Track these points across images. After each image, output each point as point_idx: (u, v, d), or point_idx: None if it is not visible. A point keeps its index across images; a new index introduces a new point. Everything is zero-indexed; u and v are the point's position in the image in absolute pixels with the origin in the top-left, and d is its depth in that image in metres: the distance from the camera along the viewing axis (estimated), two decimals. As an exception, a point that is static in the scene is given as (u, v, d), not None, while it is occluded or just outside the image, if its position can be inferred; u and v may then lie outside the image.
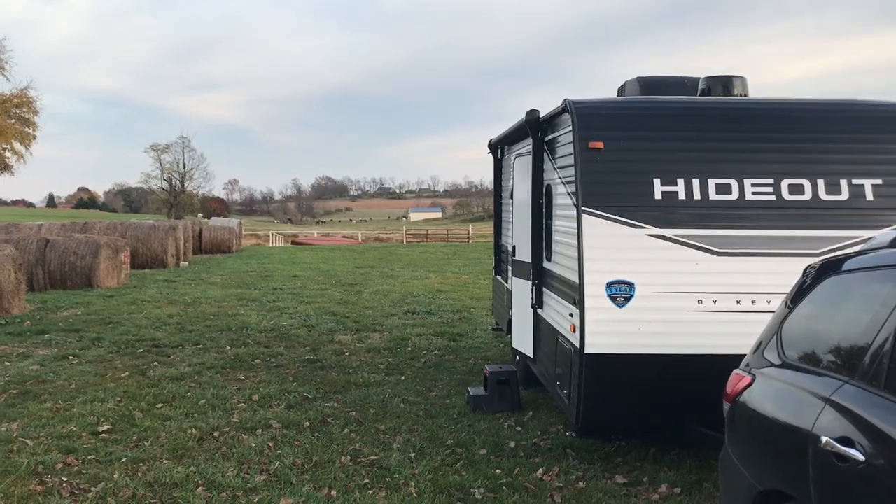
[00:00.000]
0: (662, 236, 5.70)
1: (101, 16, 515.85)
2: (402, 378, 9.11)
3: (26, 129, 43.67)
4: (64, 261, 18.01)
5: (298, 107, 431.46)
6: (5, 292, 13.41)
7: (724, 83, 6.91)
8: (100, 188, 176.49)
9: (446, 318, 13.62)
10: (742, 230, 5.74)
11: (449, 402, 7.99)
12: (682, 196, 5.75)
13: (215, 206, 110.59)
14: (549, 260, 6.94)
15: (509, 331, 8.83)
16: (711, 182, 5.78)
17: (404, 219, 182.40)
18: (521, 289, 7.87)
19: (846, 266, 3.56)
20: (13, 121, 42.85)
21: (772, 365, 3.76)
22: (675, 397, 5.74)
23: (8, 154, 42.94)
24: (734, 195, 5.78)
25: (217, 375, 9.15)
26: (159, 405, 7.79)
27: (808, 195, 5.81)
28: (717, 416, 4.30)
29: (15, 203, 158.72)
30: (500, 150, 10.19)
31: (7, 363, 9.72)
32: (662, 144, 5.89)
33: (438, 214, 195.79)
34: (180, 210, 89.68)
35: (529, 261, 7.29)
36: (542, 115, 7.04)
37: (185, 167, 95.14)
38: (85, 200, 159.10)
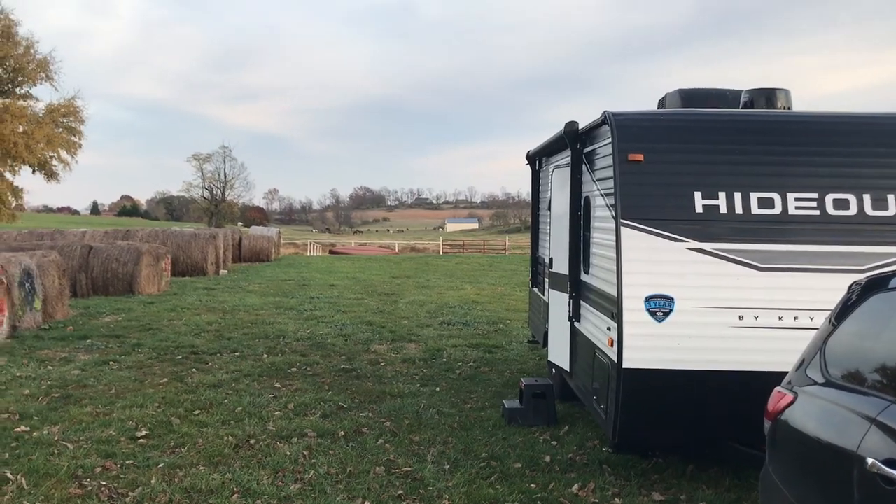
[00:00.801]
0: (703, 250, 5.63)
1: (146, 25, 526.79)
2: (437, 389, 9.10)
3: (72, 137, 44.55)
4: (106, 267, 18.35)
5: (337, 116, 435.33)
6: (50, 297, 13.68)
7: (767, 96, 6.81)
8: (142, 196, 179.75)
9: (482, 330, 13.59)
10: (785, 245, 5.64)
11: (484, 415, 7.96)
12: (723, 210, 5.68)
13: (255, 215, 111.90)
14: (586, 272, 6.89)
15: (545, 343, 8.78)
16: (754, 196, 5.70)
17: (441, 229, 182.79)
18: (558, 301, 7.82)
19: (893, 283, 3.48)
20: (60, 130, 43.77)
21: (815, 383, 3.68)
22: (715, 414, 5.65)
23: (55, 162, 43.84)
24: (777, 209, 5.69)
25: (254, 383, 9.22)
26: (196, 412, 7.87)
27: (853, 210, 5.69)
28: (757, 434, 4.22)
29: (60, 210, 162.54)
30: (538, 162, 10.17)
31: (50, 367, 9.91)
32: (703, 157, 5.83)
33: (475, 226, 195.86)
34: (221, 219, 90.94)
35: (567, 273, 7.25)
36: (581, 126, 7.02)
37: (225, 176, 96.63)
38: (128, 208, 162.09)
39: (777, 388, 4.00)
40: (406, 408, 8.17)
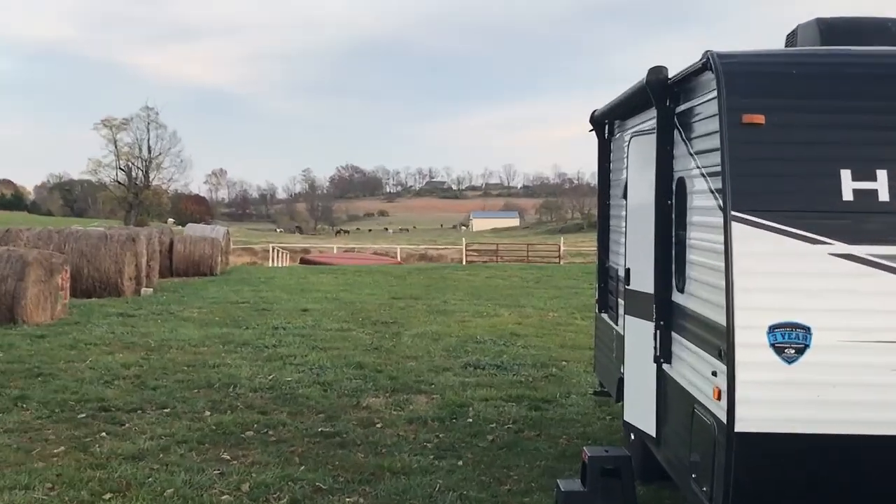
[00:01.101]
0: (854, 257, 5.56)
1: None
2: (460, 463, 9.08)
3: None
4: (-23, 284, 18.47)
5: (313, 66, 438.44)
6: None
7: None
8: (29, 181, 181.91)
9: (525, 376, 13.55)
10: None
11: (529, 501, 7.92)
12: (883, 197, 5.61)
13: (193, 208, 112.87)
14: (680, 291, 6.85)
15: (620, 396, 8.73)
16: (933, 177, 5.63)
17: (464, 228, 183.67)
18: (638, 333, 7.78)
19: None
20: None
21: None
22: (870, 501, 5.58)
23: None
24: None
25: (191, 453, 9.23)
26: (108, 495, 7.88)
27: None
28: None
29: None
30: (608, 128, 10.14)
31: None
32: (854, 119, 5.76)
33: (514, 222, 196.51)
34: (143, 213, 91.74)
35: (651, 292, 7.20)
36: (671, 75, 6.99)
37: (150, 152, 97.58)
38: (7, 198, 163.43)
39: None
40: (414, 490, 8.15)
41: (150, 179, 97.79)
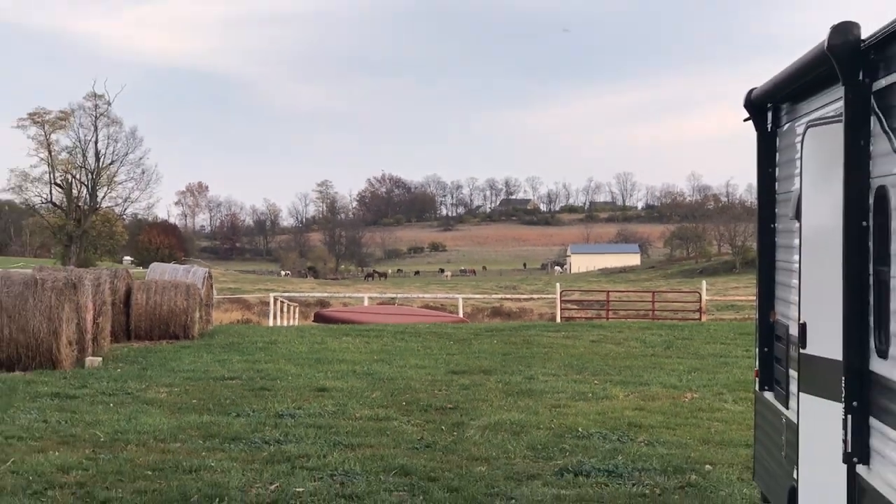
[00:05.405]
0: None
1: None
2: None
3: None
4: None
5: (337, 29, 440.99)
6: None
7: None
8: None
9: (651, 486, 13.52)
10: None
11: None
12: None
13: (160, 241, 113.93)
14: (883, 356, 6.79)
15: (793, 515, 8.67)
16: None
17: (558, 268, 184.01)
18: (819, 420, 7.75)
19: None
20: None
21: None
22: None
23: None
24: None
25: None
26: None
27: None
28: None
29: None
30: (772, 116, 10.13)
31: None
32: None
33: (635, 259, 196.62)
34: (89, 249, 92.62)
35: (839, 358, 7.16)
36: (866, 35, 6.97)
37: (98, 160, 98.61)
38: None
39: None
40: None
41: (99, 200, 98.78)
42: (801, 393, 8.19)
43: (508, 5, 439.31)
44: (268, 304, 57.13)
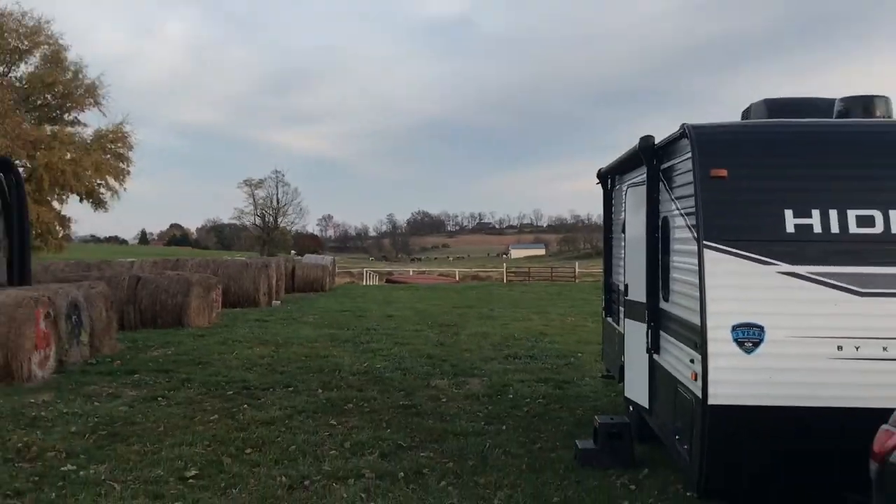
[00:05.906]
0: (796, 274, 5.51)
1: (197, 48, 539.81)
2: (504, 428, 9.03)
3: (121, 164, 45.91)
4: (155, 299, 18.81)
5: (394, 138, 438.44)
6: (97, 331, 14.07)
7: (864, 104, 6.66)
8: (192, 224, 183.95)
9: (551, 364, 13.46)
10: (889, 268, 5.48)
11: (555, 456, 7.86)
12: (817, 229, 5.56)
13: (309, 243, 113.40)
14: (666, 300, 6.80)
15: (621, 378, 8.66)
16: (851, 214, 5.57)
17: (505, 256, 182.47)
18: (634, 332, 7.73)
19: None
20: (108, 157, 45.16)
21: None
22: (811, 456, 5.48)
23: (103, 190, 45.20)
24: (878, 228, 5.55)
25: (308, 420, 9.29)
26: (248, 450, 7.96)
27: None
28: (861, 478, 4.06)
29: (108, 240, 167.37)
30: (610, 181, 10.12)
31: (97, 403, 10.17)
32: (794, 172, 5.73)
33: (542, 251, 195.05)
34: (273, 247, 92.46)
35: (644, 301, 7.16)
36: (657, 141, 6.97)
37: (278, 202, 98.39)
38: (177, 237, 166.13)
39: (883, 427, 3.86)
40: (470, 447, 8.12)
41: (278, 223, 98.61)
42: (625, 318, 8.19)
43: (469, 123, 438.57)
44: (362, 274, 57.03)
